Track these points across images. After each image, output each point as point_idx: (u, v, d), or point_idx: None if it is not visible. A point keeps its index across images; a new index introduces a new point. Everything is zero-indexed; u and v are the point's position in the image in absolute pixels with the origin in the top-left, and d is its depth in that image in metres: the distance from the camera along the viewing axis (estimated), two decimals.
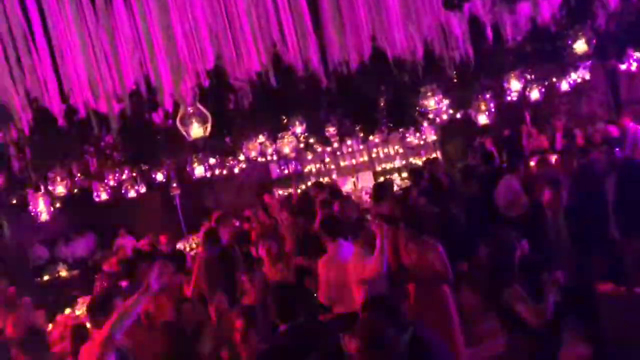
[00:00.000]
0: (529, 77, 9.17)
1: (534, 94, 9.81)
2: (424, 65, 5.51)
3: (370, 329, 3.28)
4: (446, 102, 8.42)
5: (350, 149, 15.54)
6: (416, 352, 3.32)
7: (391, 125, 9.47)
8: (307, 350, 3.73)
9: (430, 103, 6.62)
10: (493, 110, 9.43)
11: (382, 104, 8.29)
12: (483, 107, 9.03)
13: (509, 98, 10.54)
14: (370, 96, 7.77)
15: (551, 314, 3.98)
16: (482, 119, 9.49)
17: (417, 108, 7.98)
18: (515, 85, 8.40)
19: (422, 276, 5.44)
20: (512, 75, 8.12)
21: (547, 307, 3.98)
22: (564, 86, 11.38)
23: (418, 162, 15.15)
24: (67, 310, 8.66)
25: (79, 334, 6.03)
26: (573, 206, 6.64)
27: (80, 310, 8.43)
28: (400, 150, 15.62)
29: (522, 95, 9.90)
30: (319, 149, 14.28)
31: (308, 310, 4.05)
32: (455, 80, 8.11)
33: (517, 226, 6.73)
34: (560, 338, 3.91)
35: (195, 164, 8.47)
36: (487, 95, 9.22)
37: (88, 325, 6.34)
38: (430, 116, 9.73)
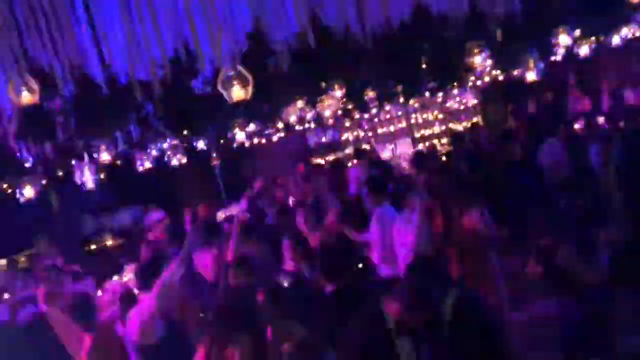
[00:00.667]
0: (578, 32, 8.76)
1: (583, 50, 9.36)
2: (469, 21, 5.31)
3: (414, 289, 3.23)
4: (490, 62, 8.15)
5: (388, 115, 15.31)
6: (461, 313, 3.26)
7: (435, 85, 9.23)
8: (351, 312, 3.72)
9: (477, 60, 6.41)
10: (542, 66, 9.05)
11: (424, 64, 8.09)
12: (532, 64, 8.69)
13: (553, 58, 10.14)
14: (412, 56, 7.58)
15: (605, 273, 3.86)
16: (531, 76, 9.12)
17: (462, 67, 7.73)
18: (563, 39, 8.03)
19: (467, 242, 5.37)
20: (561, 29, 7.76)
21: (601, 266, 3.87)
22: (615, 40, 10.69)
23: (458, 127, 14.85)
24: (115, 278, 8.88)
25: (127, 299, 6.21)
26: (624, 164, 6.42)
27: (127, 277, 8.65)
28: (440, 116, 15.32)
29: (570, 53, 9.49)
30: (357, 116, 14.13)
31: (354, 273, 4.02)
32: (500, 39, 7.84)
33: (564, 188, 6.56)
34: (614, 297, 3.79)
35: (237, 130, 8.46)
36: (535, 53, 8.87)
37: (135, 291, 6.52)
38: (474, 75, 9.41)
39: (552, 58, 9.71)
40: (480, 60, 6.45)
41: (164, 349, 4.42)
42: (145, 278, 4.91)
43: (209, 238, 5.82)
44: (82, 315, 5.36)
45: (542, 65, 9.07)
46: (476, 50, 6.35)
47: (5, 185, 8.62)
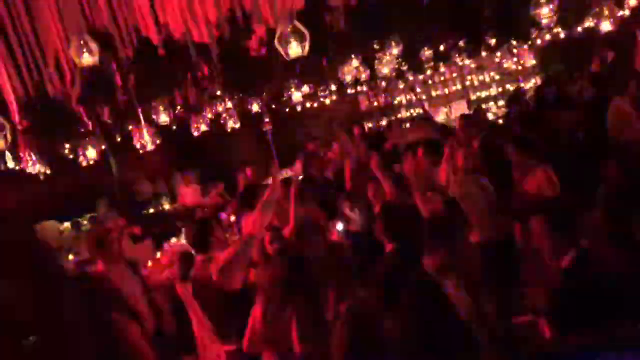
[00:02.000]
0: None
1: None
2: None
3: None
4: (554, 17, 7.68)
5: (442, 77, 14.91)
6: None
7: (494, 41, 8.82)
8: (408, 271, 3.67)
9: (544, 11, 6.07)
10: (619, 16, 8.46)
11: (487, 15, 7.72)
12: (606, 13, 8.15)
13: (621, 13, 9.54)
14: (473, 8, 7.25)
15: None
16: (606, 26, 8.55)
17: (529, 18, 7.33)
18: None
19: (530, 205, 5.18)
20: None
21: None
22: None
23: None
24: (173, 239, 9.10)
25: (185, 260, 6.36)
26: None
27: (185, 239, 8.86)
28: (497, 77, 14.81)
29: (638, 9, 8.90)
30: (411, 78, 13.81)
31: (414, 232, 3.94)
32: None
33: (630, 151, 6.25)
34: None
35: (293, 89, 8.37)
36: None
37: (192, 251, 6.66)
38: (539, 29, 8.91)
39: (620, 13, 9.15)
40: (547, 11, 6.09)
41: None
42: (199, 239, 4.97)
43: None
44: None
45: (617, 12, 8.49)
46: (543, 1, 6.00)
47: (66, 150, 8.87)
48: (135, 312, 4.63)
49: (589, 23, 9.54)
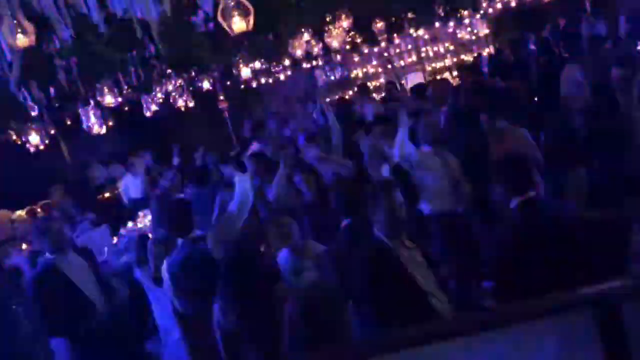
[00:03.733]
0: None
1: None
2: None
3: None
4: None
5: (398, 50, 14.91)
6: None
7: (446, 11, 8.82)
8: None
9: None
10: None
11: None
12: None
13: None
14: None
15: None
16: None
17: None
18: None
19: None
20: None
21: None
22: None
23: (470, 59, 14.44)
24: (129, 224, 8.94)
25: (142, 244, 6.29)
26: None
27: (142, 223, 8.70)
28: (451, 48, 14.89)
29: None
30: (366, 51, 13.73)
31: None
32: None
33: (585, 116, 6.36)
34: None
35: (241, 65, 8.21)
36: None
37: (150, 235, 6.56)
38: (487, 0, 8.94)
39: None
40: None
41: None
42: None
43: None
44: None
45: None
46: None
47: (12, 135, 8.55)
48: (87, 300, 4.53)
49: None
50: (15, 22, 4.10)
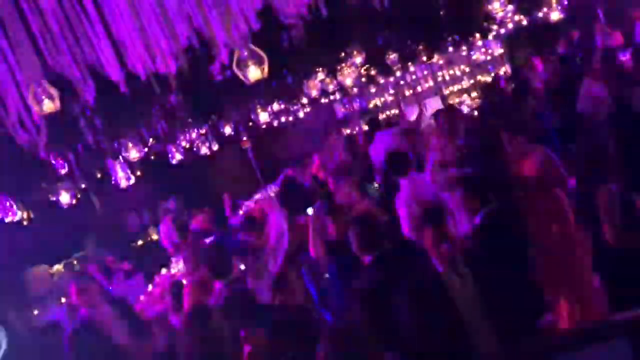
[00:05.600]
0: None
1: None
2: None
3: None
4: (511, 7, 7.78)
5: (414, 76, 15.01)
6: None
7: (457, 38, 8.92)
8: (397, 280, 3.66)
9: (495, 6, 6.15)
10: (566, 3, 8.58)
11: (443, 17, 7.79)
12: (554, 2, 8.25)
13: None
14: (430, 11, 7.31)
15: None
16: (555, 16, 8.67)
17: (482, 16, 7.43)
18: None
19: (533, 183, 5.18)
20: None
21: None
22: None
23: (487, 79, 14.46)
24: (164, 271, 9.06)
25: (177, 291, 6.33)
26: None
27: (175, 269, 8.81)
28: (467, 70, 14.93)
29: None
30: (382, 81, 13.87)
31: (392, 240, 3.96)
32: None
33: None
34: None
35: (259, 110, 8.42)
36: None
37: (184, 281, 6.63)
38: (495, 23, 9.03)
39: None
40: (498, 6, 6.18)
41: None
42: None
43: None
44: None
45: (565, 2, 8.61)
46: None
47: (48, 195, 8.84)
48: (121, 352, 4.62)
49: (539, 13, 9.68)
50: (40, 88, 4.29)
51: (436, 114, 7.15)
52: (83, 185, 9.63)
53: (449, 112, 7.12)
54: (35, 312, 9.50)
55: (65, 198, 8.54)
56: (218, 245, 5.90)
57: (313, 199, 6.94)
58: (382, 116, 15.16)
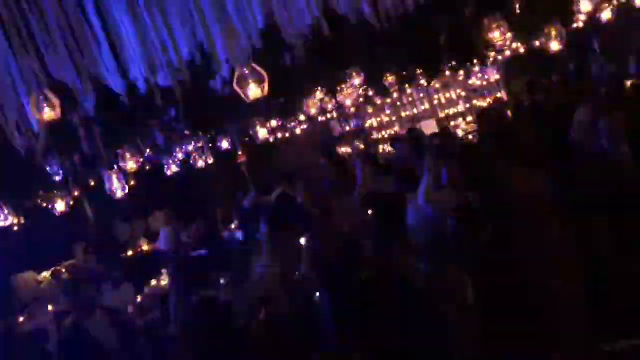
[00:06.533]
0: None
1: (606, 15, 9.04)
2: None
3: None
4: (510, 35, 7.93)
5: (410, 98, 15.16)
6: None
7: (454, 64, 9.05)
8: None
9: (495, 35, 6.25)
10: (565, 36, 8.74)
11: (443, 42, 7.92)
12: (554, 33, 8.39)
13: (575, 25, 9.86)
14: (429, 36, 7.44)
15: None
16: (555, 46, 8.81)
17: (481, 43, 7.56)
18: (585, 6, 7.74)
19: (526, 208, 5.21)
20: None
21: None
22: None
23: (483, 104, 14.61)
24: (153, 282, 9.01)
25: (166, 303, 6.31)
26: None
27: (165, 280, 8.77)
28: (463, 94, 15.09)
29: (592, 18, 9.20)
30: (379, 102, 13.99)
31: None
32: (518, 10, 7.62)
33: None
34: None
35: (258, 127, 8.47)
36: (556, 22, 8.59)
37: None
38: (494, 51, 9.18)
39: (574, 26, 9.44)
40: (498, 35, 6.28)
41: None
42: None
43: None
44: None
45: (564, 33, 8.77)
46: (494, 26, 6.19)
47: (39, 201, 8.82)
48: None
49: (538, 43, 9.86)
50: (42, 96, 4.32)
51: (432, 137, 7.21)
52: (76, 193, 9.61)
53: (445, 136, 7.18)
54: (21, 319, 9.41)
55: (60, 206, 8.52)
56: (199, 259, 5.89)
57: (306, 218, 6.95)
58: (377, 136, 15.31)
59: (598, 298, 3.61)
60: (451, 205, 5.12)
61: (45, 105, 4.27)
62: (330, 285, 4.35)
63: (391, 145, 8.46)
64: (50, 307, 9.44)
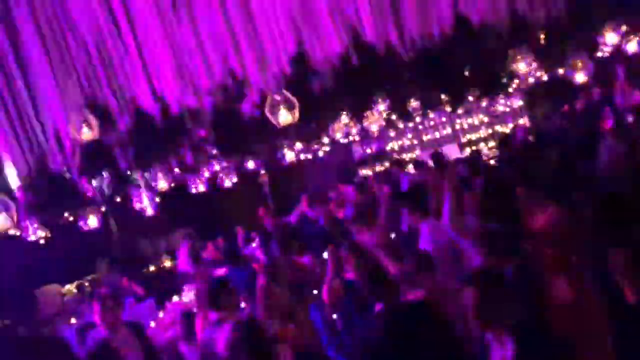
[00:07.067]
0: (625, 28, 8.43)
1: (631, 46, 9.03)
2: (511, 28, 5.28)
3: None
4: (534, 65, 7.98)
5: (432, 122, 15.25)
6: None
7: (479, 94, 9.12)
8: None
9: (520, 66, 6.32)
10: (591, 66, 8.74)
11: (467, 73, 8.02)
12: (580, 65, 8.42)
13: (600, 54, 9.87)
14: (454, 65, 7.54)
15: None
16: (580, 78, 8.83)
17: (506, 73, 7.63)
18: (611, 38, 7.76)
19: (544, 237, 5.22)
20: (608, 27, 7.47)
21: None
22: None
23: (505, 130, 14.64)
24: (175, 298, 9.10)
25: (188, 320, 6.38)
26: None
27: (187, 297, 8.86)
28: (485, 119, 15.14)
29: (618, 49, 9.20)
30: (401, 125, 14.10)
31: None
32: (543, 41, 7.68)
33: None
34: None
35: (286, 150, 8.62)
36: (582, 52, 8.59)
37: (195, 310, 6.67)
38: (518, 81, 9.23)
39: (599, 55, 9.45)
40: (524, 66, 6.35)
41: None
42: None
43: None
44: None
45: (590, 64, 8.78)
46: (519, 57, 6.25)
47: (69, 216, 9.01)
48: None
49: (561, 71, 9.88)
50: (81, 117, 4.50)
51: (457, 163, 7.27)
52: (103, 209, 9.81)
53: (470, 162, 7.22)
54: (45, 330, 9.58)
55: (92, 221, 8.71)
56: (222, 279, 5.96)
57: (328, 238, 7.03)
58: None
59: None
60: (473, 232, 5.17)
61: (83, 125, 4.44)
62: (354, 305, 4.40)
63: (414, 168, 8.54)
64: (73, 320, 9.61)
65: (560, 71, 10.30)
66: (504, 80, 8.78)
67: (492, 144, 14.35)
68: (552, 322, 3.98)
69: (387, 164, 15.06)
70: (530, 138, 10.96)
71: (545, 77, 11.12)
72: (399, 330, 3.67)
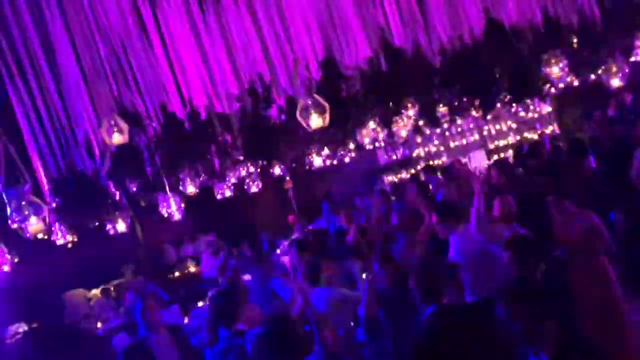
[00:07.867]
0: None
1: None
2: (544, 31, 5.19)
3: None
4: (566, 69, 7.80)
5: (460, 129, 15.08)
6: None
7: (512, 98, 8.95)
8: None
9: (554, 70, 6.19)
10: (627, 71, 8.53)
11: (498, 77, 7.88)
12: (615, 69, 8.23)
13: (633, 59, 9.64)
14: (485, 70, 7.43)
15: None
16: (615, 82, 8.62)
17: (539, 78, 7.48)
18: None
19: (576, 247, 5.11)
20: None
21: None
22: None
23: (534, 136, 14.38)
24: (200, 303, 9.11)
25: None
26: None
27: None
28: (514, 126, 14.92)
29: None
30: (428, 132, 13.96)
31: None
32: (575, 45, 7.53)
33: None
34: None
35: (314, 155, 8.59)
36: (618, 56, 8.38)
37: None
38: (548, 85, 9.05)
39: (633, 59, 9.24)
40: (557, 70, 6.22)
41: None
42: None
43: None
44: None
45: (625, 69, 8.56)
46: (553, 61, 6.13)
47: (97, 220, 9.09)
48: None
49: (593, 76, 9.67)
50: (112, 122, 4.53)
51: (489, 168, 7.13)
52: (130, 214, 9.89)
53: (503, 168, 7.08)
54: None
55: (121, 226, 8.77)
56: (227, 291, 5.89)
57: (356, 252, 6.94)
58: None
59: None
60: (502, 238, 5.07)
61: (114, 130, 4.47)
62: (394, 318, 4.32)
63: (442, 175, 8.41)
64: (99, 324, 9.68)
65: (592, 76, 10.09)
66: (539, 84, 8.60)
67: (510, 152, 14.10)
68: (584, 331, 3.89)
69: (412, 171, 14.93)
70: (561, 144, 10.72)
71: (576, 82, 10.91)
72: (448, 334, 3.59)
